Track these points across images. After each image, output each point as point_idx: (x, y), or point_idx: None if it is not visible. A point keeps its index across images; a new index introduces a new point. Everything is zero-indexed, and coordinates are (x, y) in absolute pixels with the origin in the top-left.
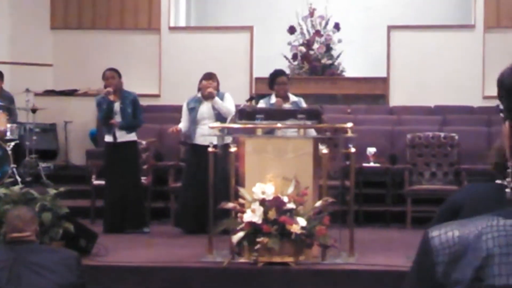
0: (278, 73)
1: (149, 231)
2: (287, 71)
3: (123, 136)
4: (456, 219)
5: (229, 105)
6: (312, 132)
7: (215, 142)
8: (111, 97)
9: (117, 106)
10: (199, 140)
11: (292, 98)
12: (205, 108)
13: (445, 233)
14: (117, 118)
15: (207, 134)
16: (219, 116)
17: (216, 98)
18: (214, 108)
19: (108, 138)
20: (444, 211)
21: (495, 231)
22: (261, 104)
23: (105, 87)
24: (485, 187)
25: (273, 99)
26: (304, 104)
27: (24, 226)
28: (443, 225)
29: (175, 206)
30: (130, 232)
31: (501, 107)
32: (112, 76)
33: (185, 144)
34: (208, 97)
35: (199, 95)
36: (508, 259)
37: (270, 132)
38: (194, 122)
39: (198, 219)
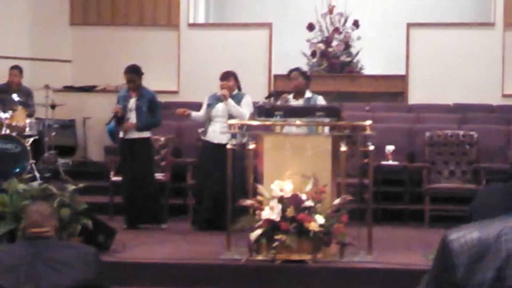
0: (292, 69)
1: (167, 227)
2: (306, 68)
3: (134, 133)
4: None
5: (244, 109)
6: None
7: (233, 140)
8: (119, 114)
9: (132, 102)
10: (210, 136)
11: (307, 94)
12: (221, 106)
13: (463, 236)
14: (132, 116)
15: (218, 131)
16: (233, 116)
17: (229, 101)
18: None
19: (121, 134)
20: (469, 216)
21: None
22: (278, 101)
23: (127, 85)
24: (499, 188)
25: (290, 97)
26: (321, 101)
27: (43, 222)
28: (461, 227)
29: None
30: (147, 228)
31: None
32: (131, 79)
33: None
34: (221, 98)
35: (219, 92)
36: None
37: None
38: (208, 118)
39: (213, 216)
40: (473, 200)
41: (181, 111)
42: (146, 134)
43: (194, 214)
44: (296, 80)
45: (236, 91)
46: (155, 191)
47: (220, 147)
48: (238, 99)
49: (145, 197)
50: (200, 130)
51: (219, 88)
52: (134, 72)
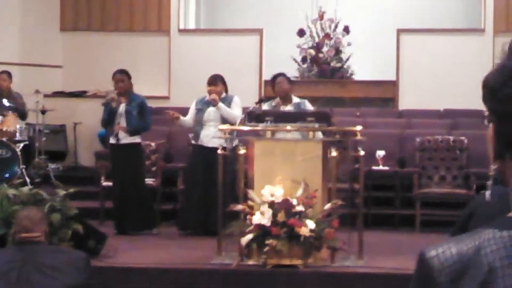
0: (277, 75)
1: (158, 232)
2: (296, 74)
3: (126, 138)
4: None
5: (235, 110)
6: (320, 135)
7: (224, 144)
8: (114, 104)
9: (122, 108)
10: (204, 141)
11: (295, 99)
12: (212, 110)
13: (442, 252)
14: (122, 120)
15: (212, 135)
16: (226, 120)
17: (220, 105)
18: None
19: (112, 140)
20: (461, 220)
21: (494, 244)
22: (265, 107)
23: (115, 88)
24: (494, 192)
25: (276, 101)
26: (308, 106)
27: (33, 227)
28: (439, 244)
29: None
30: (138, 234)
31: (486, 112)
32: (121, 79)
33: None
34: (212, 103)
35: (207, 97)
36: (511, 270)
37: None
38: (200, 123)
39: (204, 221)
40: (470, 203)
41: (170, 113)
42: (136, 140)
43: (181, 218)
44: (283, 85)
45: (224, 94)
46: (146, 197)
47: (213, 151)
48: (228, 102)
49: (136, 203)
50: (190, 135)
51: (207, 92)
52: (123, 73)
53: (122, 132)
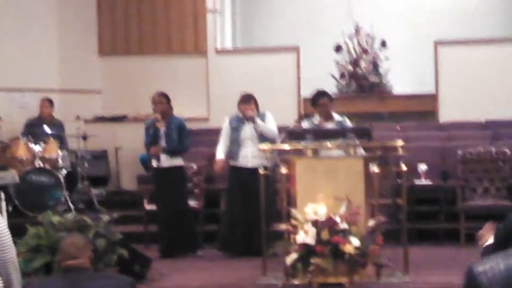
0: (319, 95)
1: (203, 254)
2: (335, 90)
3: (168, 161)
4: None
5: (271, 125)
6: (362, 151)
7: (265, 164)
8: (158, 124)
9: (162, 130)
10: (242, 162)
11: (337, 117)
12: (248, 129)
13: (490, 268)
14: (162, 143)
15: (250, 156)
16: (262, 137)
17: (259, 121)
18: (256, 130)
19: (154, 163)
20: (498, 233)
21: None
22: (305, 124)
23: (154, 111)
24: None
25: (316, 119)
26: (349, 123)
27: (78, 253)
28: (487, 259)
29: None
30: (183, 256)
31: None
32: (160, 101)
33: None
34: (249, 120)
35: (241, 115)
36: None
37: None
38: (237, 142)
39: (246, 241)
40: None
41: (219, 167)
42: (179, 162)
43: (221, 239)
44: (326, 107)
45: (256, 113)
46: (190, 219)
47: (254, 171)
48: (261, 119)
49: (180, 226)
50: (221, 157)
51: (241, 111)
52: (162, 95)
53: (163, 155)
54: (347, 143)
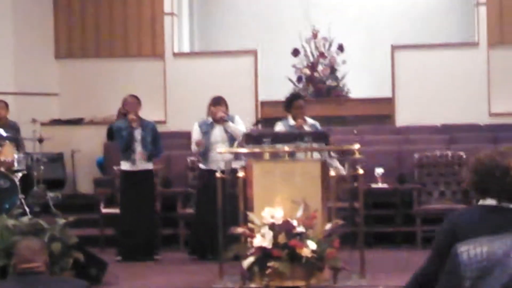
0: (295, 97)
1: (160, 258)
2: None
3: (142, 164)
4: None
5: (241, 127)
6: (319, 155)
7: (222, 167)
8: (134, 124)
9: (138, 133)
10: (213, 165)
11: (310, 121)
12: (217, 132)
13: (473, 248)
14: (137, 146)
15: (220, 159)
16: (232, 140)
17: (228, 122)
18: (226, 131)
19: (125, 166)
20: (441, 234)
21: None
22: (279, 126)
23: (124, 113)
24: (474, 211)
25: (291, 121)
26: (319, 127)
27: (33, 257)
28: (472, 240)
29: (188, 233)
30: (141, 260)
31: None
32: (134, 102)
33: (194, 170)
34: (220, 121)
35: (210, 119)
36: None
37: (277, 155)
38: (207, 146)
39: (211, 245)
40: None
41: (199, 142)
42: (150, 166)
43: (192, 242)
44: (302, 109)
45: (226, 116)
46: (155, 223)
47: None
48: (232, 121)
49: (146, 230)
50: (195, 158)
51: (211, 113)
52: (135, 97)
53: (139, 159)
54: (304, 147)
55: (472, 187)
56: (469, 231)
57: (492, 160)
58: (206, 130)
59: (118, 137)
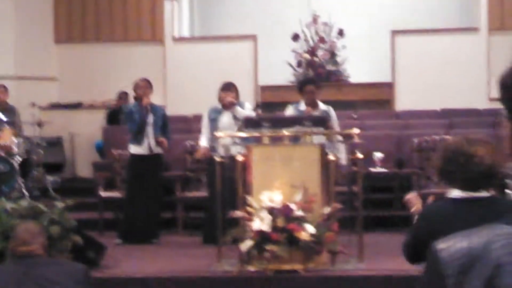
0: (306, 82)
1: (158, 241)
2: (292, 79)
3: (156, 149)
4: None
5: (249, 113)
6: (319, 139)
7: (221, 153)
8: (148, 108)
9: (150, 118)
10: (221, 151)
11: (322, 106)
12: (225, 118)
13: (453, 245)
14: (149, 130)
15: (228, 144)
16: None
17: (237, 107)
18: (235, 117)
19: (135, 150)
20: (419, 238)
21: (503, 239)
22: (290, 110)
23: (135, 98)
24: (445, 205)
25: (302, 106)
26: (333, 113)
27: (31, 240)
28: (450, 236)
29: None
30: (140, 243)
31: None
32: (147, 85)
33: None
34: (228, 106)
35: (219, 105)
36: None
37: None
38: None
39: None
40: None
41: (204, 153)
42: (159, 151)
43: (206, 230)
44: (312, 94)
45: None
46: (159, 207)
47: (232, 160)
48: (241, 107)
49: (150, 214)
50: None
51: (220, 98)
52: (147, 81)
53: (152, 143)
54: (303, 131)
55: (439, 173)
56: (444, 227)
57: (459, 146)
58: (214, 117)
59: (129, 121)
